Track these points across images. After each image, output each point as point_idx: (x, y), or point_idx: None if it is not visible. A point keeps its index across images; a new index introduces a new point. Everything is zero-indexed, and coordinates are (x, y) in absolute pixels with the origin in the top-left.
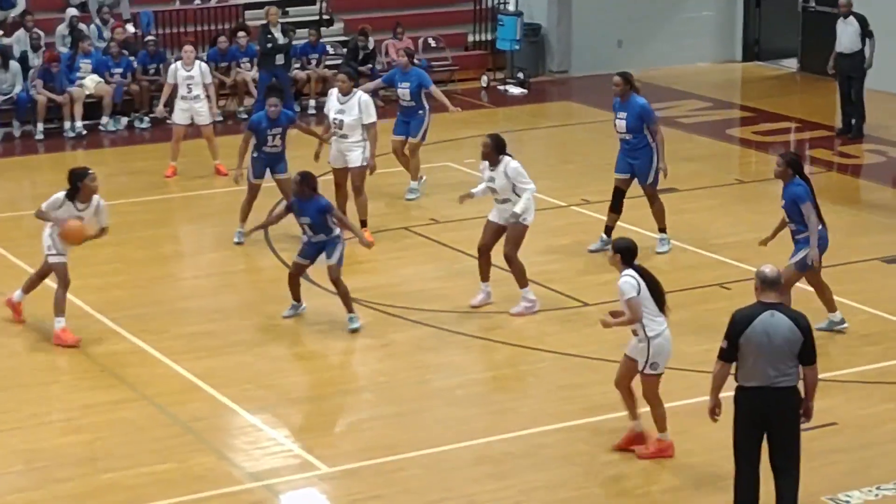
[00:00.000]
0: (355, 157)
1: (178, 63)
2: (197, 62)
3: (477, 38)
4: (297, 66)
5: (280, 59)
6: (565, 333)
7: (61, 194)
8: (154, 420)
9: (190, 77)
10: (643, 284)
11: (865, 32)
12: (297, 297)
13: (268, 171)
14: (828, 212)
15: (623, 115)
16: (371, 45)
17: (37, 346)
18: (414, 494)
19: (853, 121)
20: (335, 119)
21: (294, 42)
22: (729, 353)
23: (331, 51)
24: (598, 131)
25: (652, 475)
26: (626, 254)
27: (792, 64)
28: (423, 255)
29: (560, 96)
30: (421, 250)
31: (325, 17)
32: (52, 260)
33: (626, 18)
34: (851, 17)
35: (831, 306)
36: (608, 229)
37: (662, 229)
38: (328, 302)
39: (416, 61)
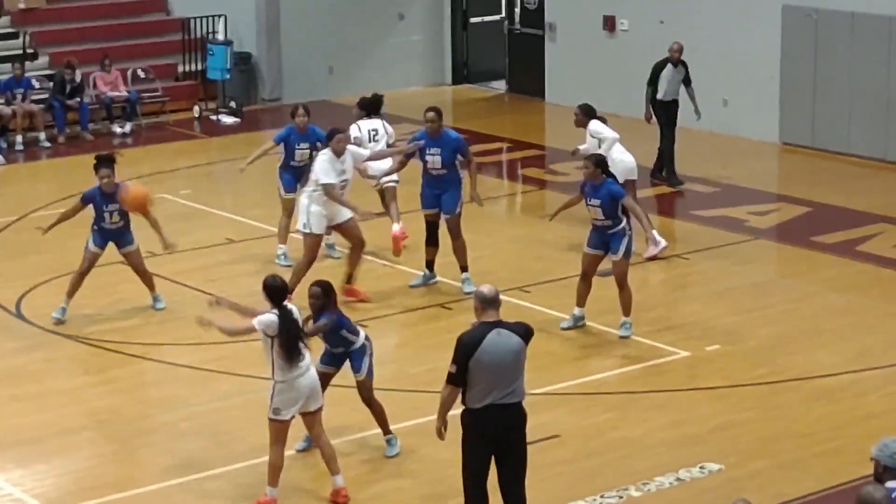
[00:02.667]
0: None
1: None
2: None
3: (187, 69)
4: (2, 101)
5: None
6: None
7: None
8: None
9: None
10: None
11: (686, 80)
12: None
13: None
14: (543, 230)
15: (436, 150)
16: (79, 79)
17: None
18: None
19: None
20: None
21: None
22: (458, 378)
23: (36, 85)
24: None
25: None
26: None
27: (500, 86)
28: (142, 288)
29: (273, 124)
30: (139, 284)
31: (29, 50)
32: None
33: (336, 45)
34: (681, 66)
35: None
36: (429, 264)
37: (464, 268)
38: (40, 340)
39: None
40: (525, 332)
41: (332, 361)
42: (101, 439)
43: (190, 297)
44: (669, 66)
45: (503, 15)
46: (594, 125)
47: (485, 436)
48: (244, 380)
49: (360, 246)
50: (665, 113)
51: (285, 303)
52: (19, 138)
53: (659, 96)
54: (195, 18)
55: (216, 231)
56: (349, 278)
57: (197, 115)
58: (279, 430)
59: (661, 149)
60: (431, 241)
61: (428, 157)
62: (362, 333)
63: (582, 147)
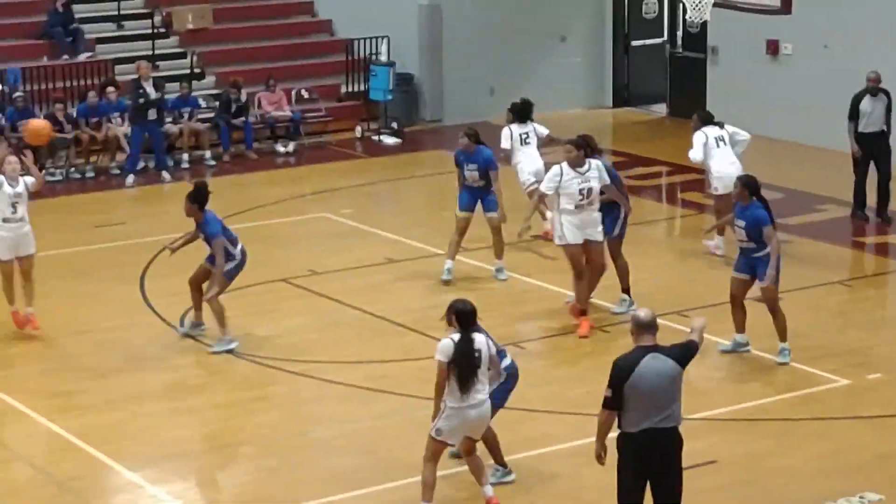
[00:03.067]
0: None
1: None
2: (22, 179)
3: (350, 89)
4: (169, 120)
5: (153, 114)
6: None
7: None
8: (32, 481)
9: (17, 195)
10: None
11: (889, 108)
12: None
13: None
14: (702, 254)
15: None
16: (244, 98)
17: None
18: None
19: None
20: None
21: (165, 96)
22: (614, 402)
23: (203, 104)
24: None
25: None
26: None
27: (661, 109)
28: (302, 306)
29: (434, 145)
30: (300, 302)
31: (196, 70)
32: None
33: (497, 66)
34: (881, 94)
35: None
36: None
37: (626, 290)
38: (205, 357)
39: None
40: (681, 356)
41: None
42: (260, 454)
43: (349, 316)
44: (868, 96)
45: (665, 38)
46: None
47: (640, 460)
48: (403, 399)
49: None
50: (870, 145)
51: (473, 329)
52: (185, 156)
53: (860, 129)
54: (359, 40)
55: (376, 250)
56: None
57: (359, 136)
58: (436, 449)
59: (860, 181)
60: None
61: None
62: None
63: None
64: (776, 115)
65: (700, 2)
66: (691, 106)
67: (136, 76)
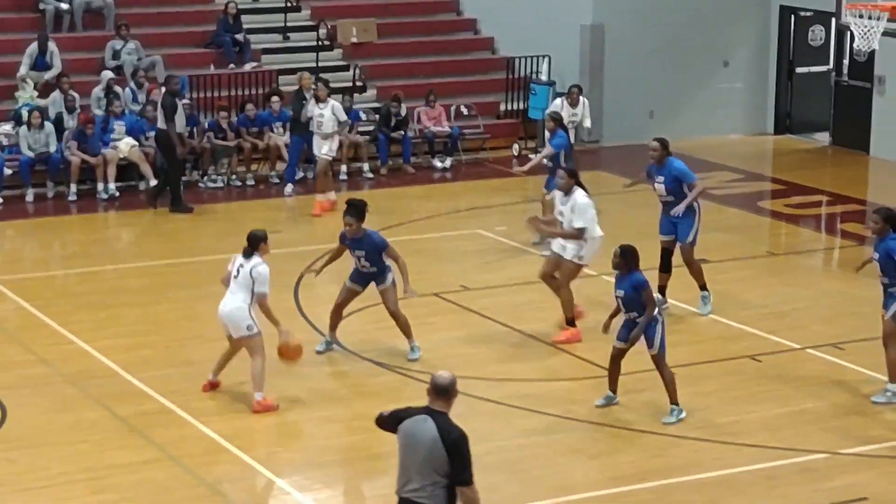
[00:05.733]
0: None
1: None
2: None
3: (509, 107)
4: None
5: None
6: (594, 401)
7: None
8: (180, 481)
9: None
10: None
11: None
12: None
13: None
14: (860, 286)
15: (661, 178)
16: (404, 112)
17: (67, 404)
18: None
19: None
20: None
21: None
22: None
23: (363, 117)
24: (628, 202)
25: None
26: None
27: (824, 138)
28: (452, 321)
29: (591, 166)
30: (450, 317)
31: (359, 83)
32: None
33: (658, 89)
34: None
35: (894, 375)
36: (661, 289)
37: (703, 286)
38: (354, 367)
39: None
40: (453, 436)
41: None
42: None
43: (499, 332)
44: None
45: (830, 66)
46: None
47: None
48: (549, 419)
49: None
50: None
51: None
52: (343, 168)
53: None
54: (520, 58)
55: (529, 268)
56: None
57: (515, 154)
58: None
59: None
60: (664, 268)
61: (656, 185)
62: None
63: None
64: None
65: (869, 30)
66: (855, 135)
67: (297, 87)
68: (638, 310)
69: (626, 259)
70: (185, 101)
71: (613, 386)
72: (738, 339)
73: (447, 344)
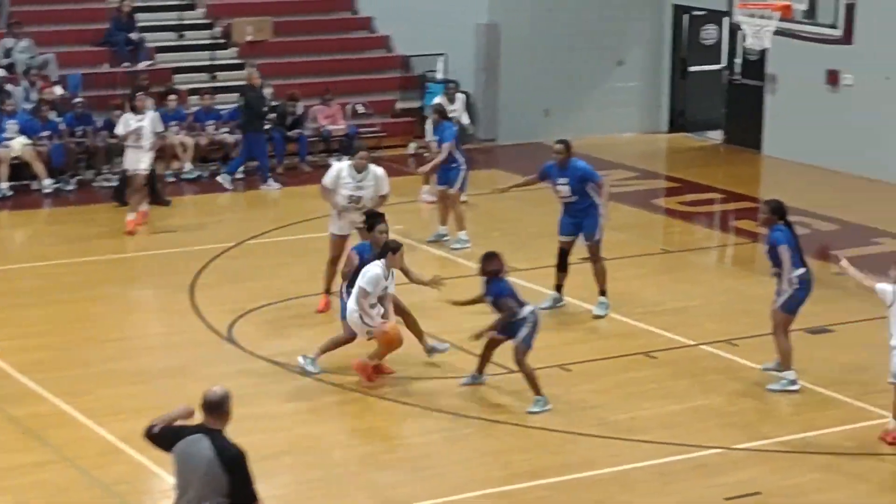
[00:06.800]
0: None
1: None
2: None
3: (405, 106)
4: (226, 130)
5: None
6: (496, 399)
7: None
8: (76, 483)
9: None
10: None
11: None
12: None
13: None
14: (753, 283)
15: (565, 179)
16: (300, 111)
17: None
18: None
19: None
20: (354, 196)
21: (218, 107)
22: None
23: None
24: (525, 199)
25: None
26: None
27: (717, 136)
28: None
29: (487, 164)
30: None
31: None
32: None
33: (553, 87)
34: None
35: (786, 362)
36: (558, 287)
37: (603, 292)
38: (254, 366)
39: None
40: (230, 455)
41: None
42: (301, 466)
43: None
44: None
45: (723, 65)
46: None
47: None
48: (444, 417)
49: None
50: None
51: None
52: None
53: None
54: (416, 56)
55: (424, 268)
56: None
57: (412, 152)
58: None
59: None
60: (562, 267)
61: (559, 186)
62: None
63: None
64: (834, 146)
65: (760, 29)
66: (748, 134)
67: (245, 83)
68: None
69: (495, 265)
70: (79, 99)
71: (482, 367)
72: (634, 337)
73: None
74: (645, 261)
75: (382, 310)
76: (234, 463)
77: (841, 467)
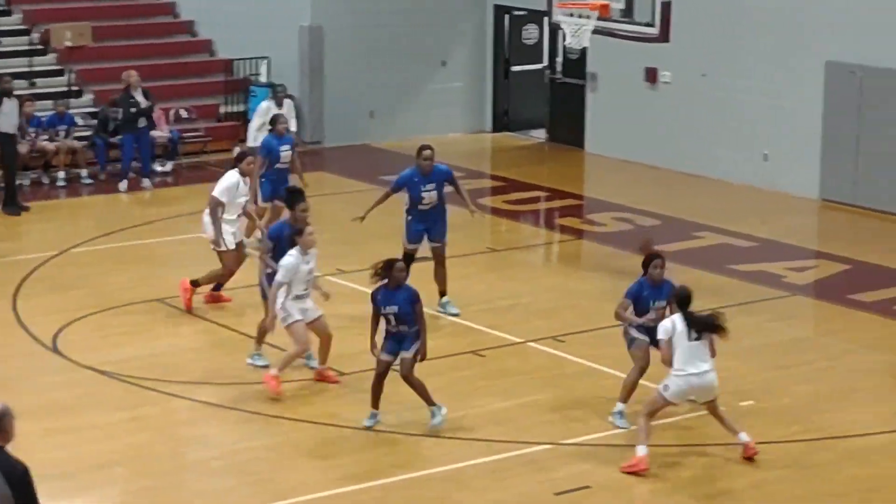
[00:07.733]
0: None
1: None
2: None
3: (229, 110)
4: (45, 138)
5: (143, 122)
6: (323, 403)
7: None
8: None
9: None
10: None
11: None
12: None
13: None
14: (579, 279)
15: (431, 185)
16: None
17: None
18: None
19: None
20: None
21: (37, 114)
22: None
23: (80, 122)
24: (352, 202)
25: None
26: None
27: (540, 134)
28: (177, 327)
29: (313, 167)
30: (175, 321)
31: (74, 88)
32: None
33: (377, 89)
34: None
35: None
36: None
37: (444, 292)
38: (80, 376)
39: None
40: (19, 471)
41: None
42: (133, 475)
43: (226, 337)
44: None
45: (545, 64)
46: None
47: None
48: (272, 420)
49: None
50: None
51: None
52: (62, 174)
53: None
54: (239, 60)
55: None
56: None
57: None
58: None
59: None
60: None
61: (424, 194)
62: None
63: None
64: (654, 142)
65: (579, 29)
66: (570, 132)
67: (125, 84)
68: (409, 323)
69: (396, 272)
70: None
71: (377, 403)
72: (462, 335)
73: (173, 349)
74: (472, 260)
75: (311, 303)
76: (21, 481)
77: (668, 458)
